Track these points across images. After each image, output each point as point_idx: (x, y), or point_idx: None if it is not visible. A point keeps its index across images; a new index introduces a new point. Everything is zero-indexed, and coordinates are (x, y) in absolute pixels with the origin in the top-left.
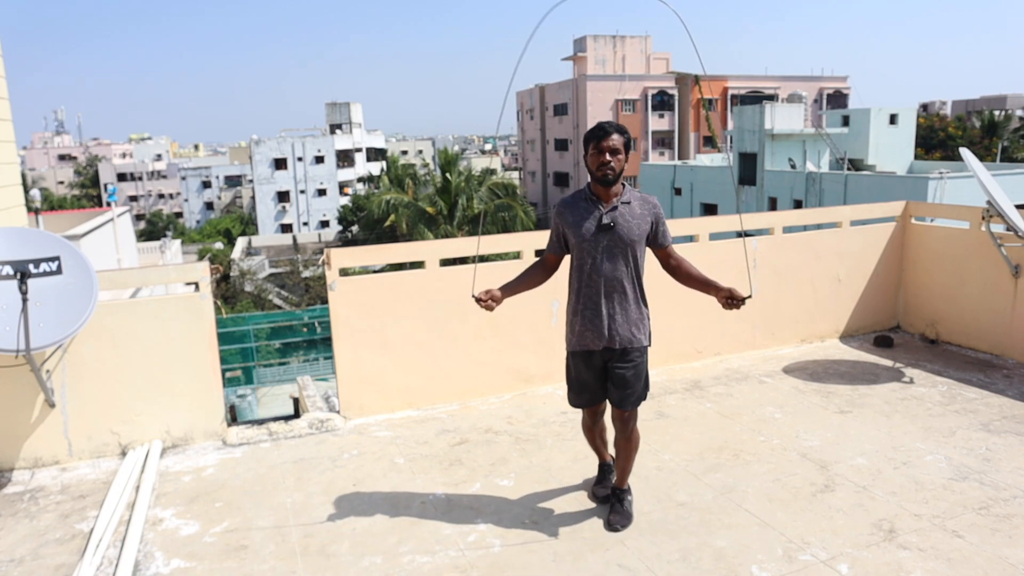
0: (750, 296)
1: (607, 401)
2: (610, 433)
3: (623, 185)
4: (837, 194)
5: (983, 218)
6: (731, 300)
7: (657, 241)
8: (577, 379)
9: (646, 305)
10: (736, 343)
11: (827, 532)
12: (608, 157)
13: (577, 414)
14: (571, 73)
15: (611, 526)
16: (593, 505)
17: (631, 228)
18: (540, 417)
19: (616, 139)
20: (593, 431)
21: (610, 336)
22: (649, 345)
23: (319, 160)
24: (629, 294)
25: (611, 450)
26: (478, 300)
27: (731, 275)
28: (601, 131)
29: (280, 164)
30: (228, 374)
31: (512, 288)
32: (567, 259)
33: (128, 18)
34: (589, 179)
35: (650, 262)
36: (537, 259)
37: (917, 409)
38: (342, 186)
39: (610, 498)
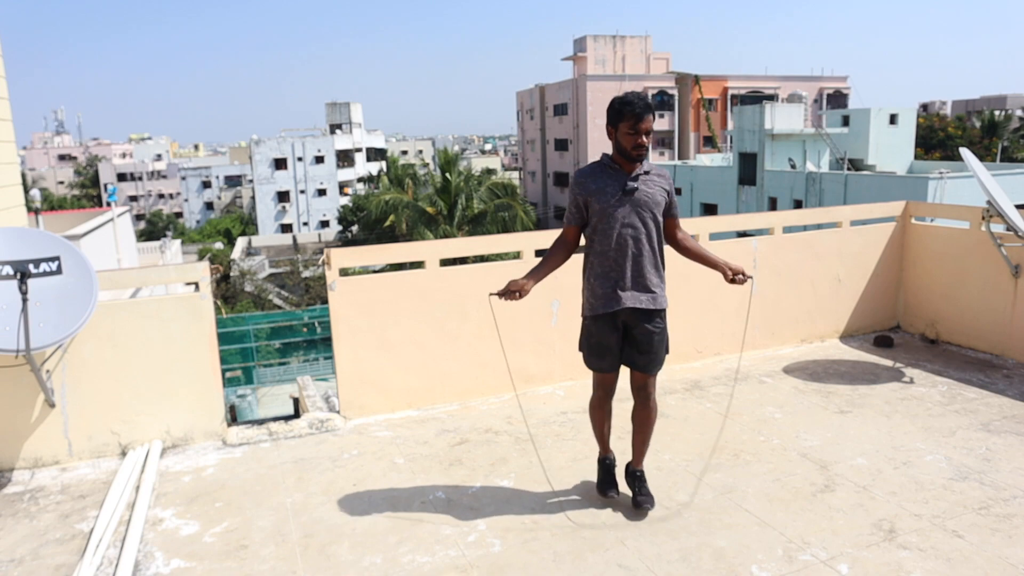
0: (751, 277)
1: (618, 379)
2: (617, 420)
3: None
4: (837, 194)
5: (983, 218)
6: (737, 276)
7: (669, 211)
8: (599, 343)
9: (664, 270)
10: (736, 343)
11: (827, 532)
12: (644, 138)
13: (577, 414)
14: (571, 73)
15: (641, 507)
16: (593, 505)
17: (653, 193)
18: (540, 417)
19: (651, 119)
20: (603, 410)
21: (637, 297)
22: (666, 308)
23: (319, 160)
24: (652, 257)
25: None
26: (501, 295)
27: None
28: (639, 109)
29: (280, 164)
30: (228, 374)
31: (539, 273)
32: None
33: (128, 18)
34: (606, 152)
35: None
36: (556, 239)
37: (917, 409)
38: (342, 186)
39: (629, 483)
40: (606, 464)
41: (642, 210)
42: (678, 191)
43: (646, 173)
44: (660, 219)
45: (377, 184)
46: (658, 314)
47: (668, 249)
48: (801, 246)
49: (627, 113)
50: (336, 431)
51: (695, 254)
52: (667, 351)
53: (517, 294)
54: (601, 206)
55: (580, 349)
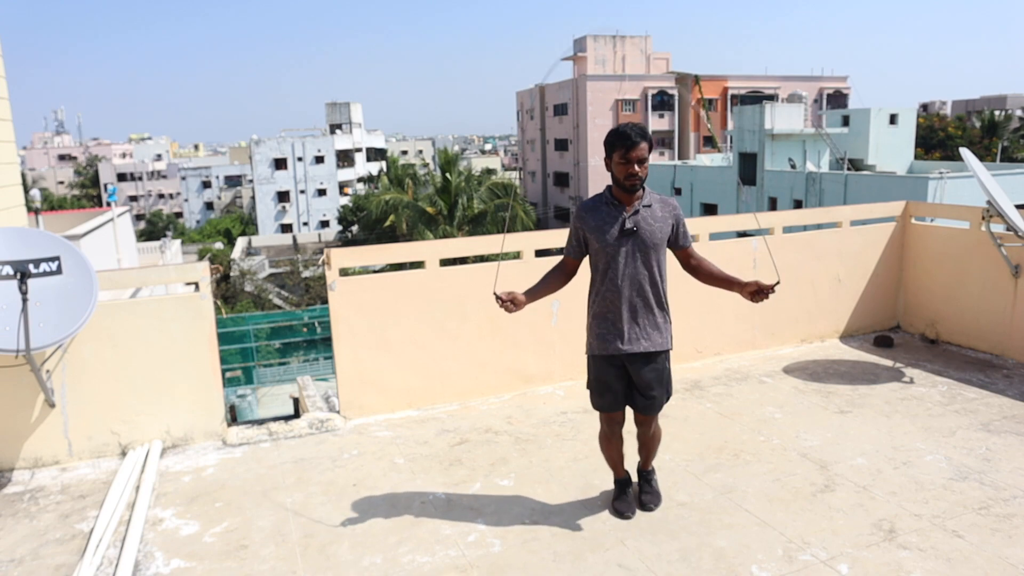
0: (778, 282)
1: (625, 413)
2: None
3: (643, 188)
4: (837, 194)
5: (983, 218)
6: (758, 293)
7: (678, 243)
8: (599, 381)
9: (668, 308)
10: (736, 343)
11: (827, 532)
12: (636, 168)
13: (577, 414)
14: (571, 73)
15: (645, 506)
16: (593, 505)
17: (653, 232)
18: (540, 417)
19: (644, 148)
20: (611, 442)
21: (632, 340)
22: (671, 349)
23: (319, 160)
24: (651, 298)
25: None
26: (499, 299)
27: (733, 274)
28: (628, 139)
29: (280, 164)
30: (228, 374)
31: (535, 293)
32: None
33: (127, 18)
34: (610, 183)
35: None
36: (556, 264)
37: (917, 409)
38: (342, 186)
39: (636, 484)
40: (621, 483)
41: (641, 250)
42: (677, 191)
43: (647, 207)
44: (663, 256)
45: (377, 184)
46: (658, 356)
47: (673, 257)
48: (801, 246)
49: (618, 143)
50: (336, 431)
51: (712, 278)
52: (669, 393)
53: (512, 305)
54: (600, 245)
55: (587, 387)
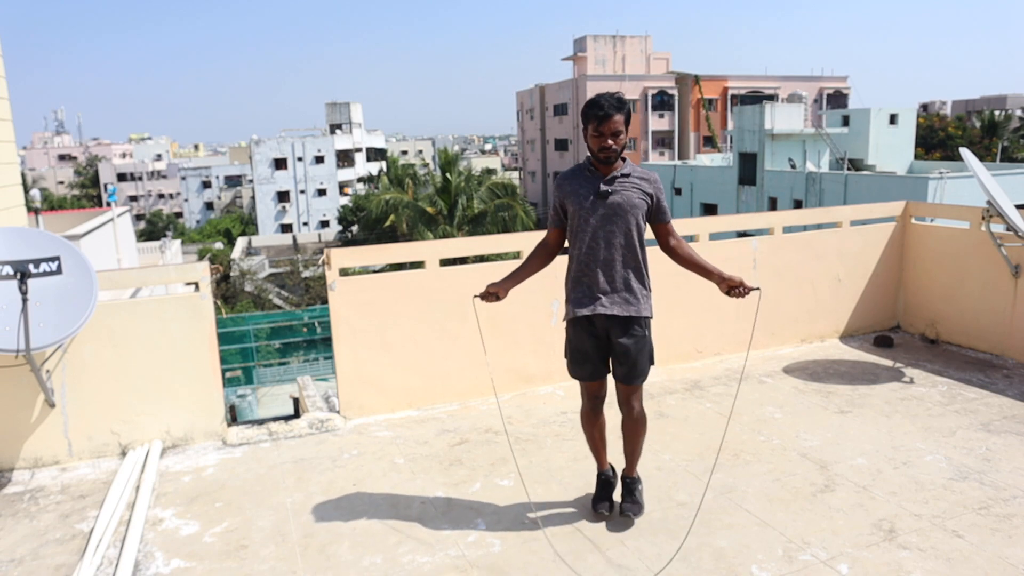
0: (758, 289)
1: (607, 387)
2: (611, 430)
3: (623, 160)
4: (837, 194)
5: (983, 218)
6: (734, 290)
7: (656, 216)
8: (576, 348)
9: (647, 277)
10: (736, 343)
11: (827, 532)
12: (610, 141)
13: (577, 414)
14: (571, 73)
15: (624, 515)
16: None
17: (630, 197)
18: (540, 417)
19: (618, 120)
20: (593, 422)
21: (608, 303)
22: (651, 317)
23: (319, 160)
24: (628, 263)
25: (614, 455)
26: (481, 297)
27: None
28: (601, 111)
29: (280, 164)
30: (228, 374)
31: (515, 276)
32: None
33: (127, 18)
34: (588, 154)
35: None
36: (539, 242)
37: (917, 409)
38: (342, 186)
39: (618, 492)
40: (602, 479)
41: (616, 215)
42: (678, 192)
43: (625, 176)
44: (640, 224)
45: (377, 184)
46: (636, 322)
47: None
48: (801, 246)
49: (591, 115)
50: (336, 431)
51: (690, 262)
52: (652, 361)
53: (494, 296)
54: (575, 209)
55: (565, 356)
